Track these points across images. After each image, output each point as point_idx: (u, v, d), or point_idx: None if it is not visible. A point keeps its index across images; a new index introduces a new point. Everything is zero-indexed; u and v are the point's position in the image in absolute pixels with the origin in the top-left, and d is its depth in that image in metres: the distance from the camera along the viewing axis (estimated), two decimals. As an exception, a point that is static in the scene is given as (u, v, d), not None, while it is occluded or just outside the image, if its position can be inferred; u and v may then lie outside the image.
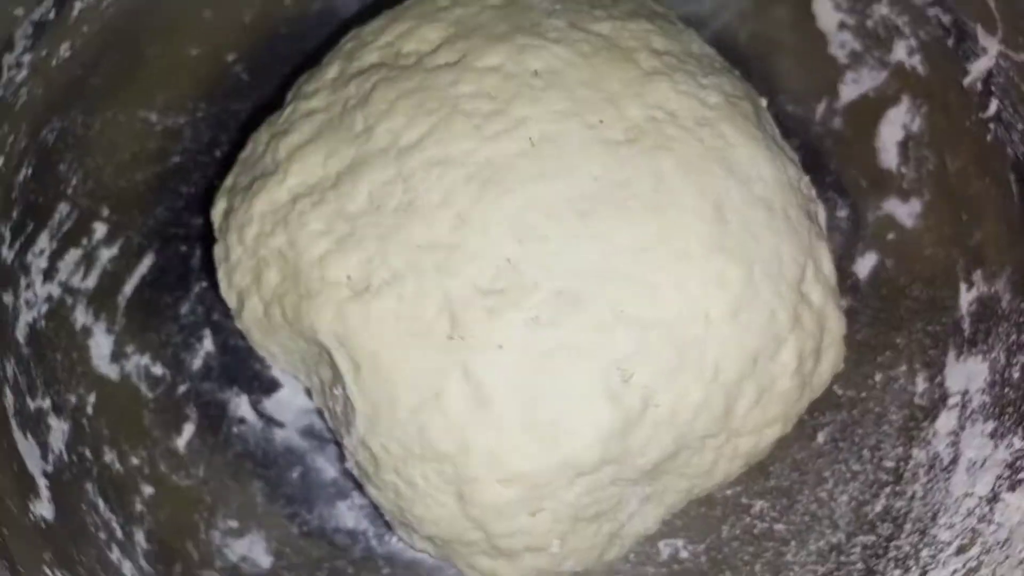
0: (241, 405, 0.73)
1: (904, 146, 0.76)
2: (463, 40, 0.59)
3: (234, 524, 0.68)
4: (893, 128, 0.77)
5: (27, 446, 0.61)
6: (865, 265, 0.76)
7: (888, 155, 0.77)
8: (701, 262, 0.54)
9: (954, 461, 0.64)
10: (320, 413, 0.69)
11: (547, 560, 0.56)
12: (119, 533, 0.64)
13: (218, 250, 0.61)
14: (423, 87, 0.57)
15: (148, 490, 0.67)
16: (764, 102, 0.64)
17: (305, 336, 0.57)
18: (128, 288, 0.73)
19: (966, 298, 0.69)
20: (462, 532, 0.55)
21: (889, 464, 0.69)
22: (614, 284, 0.53)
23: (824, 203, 0.75)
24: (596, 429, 0.53)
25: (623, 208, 0.54)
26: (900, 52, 0.75)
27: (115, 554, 0.62)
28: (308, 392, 0.68)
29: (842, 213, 0.78)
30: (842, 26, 0.78)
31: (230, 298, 0.61)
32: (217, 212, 0.62)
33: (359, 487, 0.67)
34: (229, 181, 0.63)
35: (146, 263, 0.73)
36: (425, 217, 0.54)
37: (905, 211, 0.75)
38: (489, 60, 0.58)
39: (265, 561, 0.68)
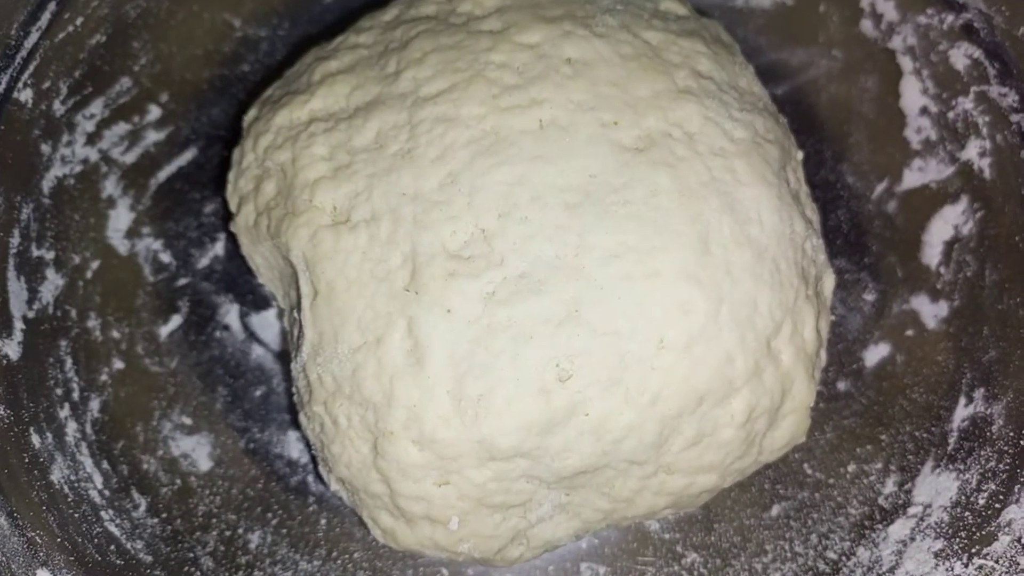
0: (230, 313, 0.75)
1: (950, 246, 0.72)
2: (515, 12, 0.60)
3: (187, 421, 0.70)
4: (944, 226, 0.73)
5: (16, 287, 0.65)
6: (875, 354, 0.73)
7: (932, 251, 0.74)
8: (669, 284, 0.53)
9: (892, 570, 0.61)
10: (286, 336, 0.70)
11: (444, 535, 0.56)
12: (76, 395, 0.66)
13: (235, 152, 0.64)
14: (459, 46, 0.58)
15: (118, 364, 0.70)
16: (800, 155, 0.62)
17: (282, 252, 0.58)
18: (163, 174, 0.76)
19: (961, 413, 0.65)
20: (369, 482, 0.56)
21: (831, 556, 0.66)
22: (578, 283, 0.53)
23: (855, 283, 0.73)
24: (518, 418, 0.52)
25: (609, 211, 0.53)
26: (972, 151, 0.72)
27: (64, 412, 0.65)
28: (281, 313, 0.70)
29: (869, 297, 0.75)
30: (924, 111, 0.75)
31: (232, 200, 0.63)
32: (248, 117, 0.64)
33: (306, 418, 0.68)
34: (268, 92, 0.65)
35: (187, 156, 0.76)
36: (418, 168, 0.55)
37: (931, 311, 0.72)
38: (529, 37, 0.58)
39: (204, 464, 0.69)
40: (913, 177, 0.76)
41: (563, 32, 0.58)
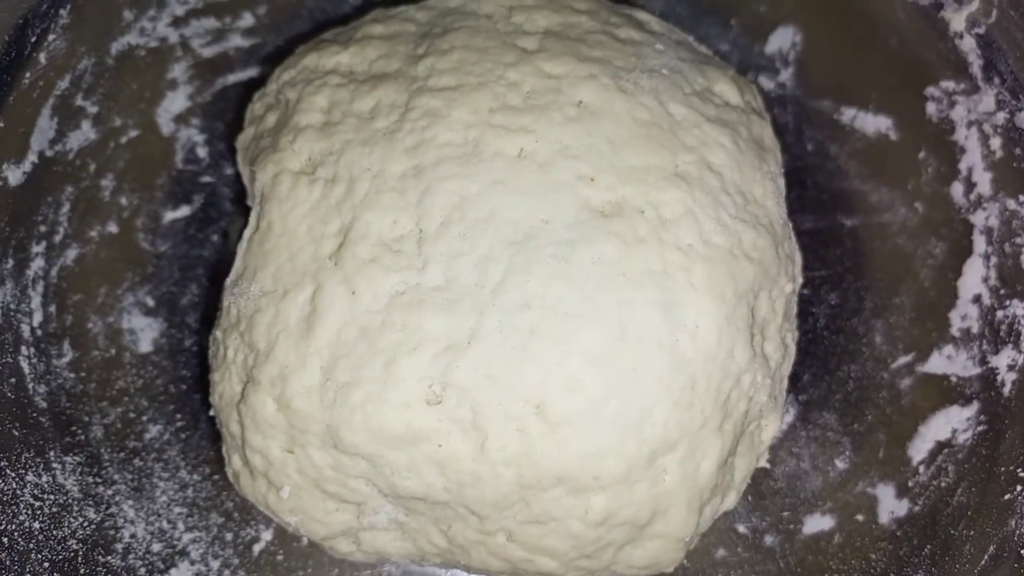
0: (234, 223, 0.77)
1: (939, 448, 0.66)
2: (556, 40, 0.58)
3: (149, 303, 0.73)
4: (944, 425, 0.67)
5: (46, 124, 0.69)
6: (816, 524, 0.67)
7: (921, 446, 0.67)
8: (566, 355, 0.50)
9: None
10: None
11: (275, 500, 0.56)
12: (57, 238, 0.69)
13: (269, 79, 0.66)
14: (486, 52, 0.57)
15: (111, 228, 0.73)
16: (789, 287, 0.57)
17: (251, 180, 0.60)
18: (232, 78, 0.79)
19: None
20: (230, 420, 0.56)
21: None
22: (481, 316, 0.51)
23: (833, 445, 0.68)
24: (369, 420, 0.51)
25: (543, 261, 0.52)
26: (1003, 360, 0.65)
27: (38, 248, 0.67)
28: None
29: (840, 464, 0.69)
30: (976, 299, 0.68)
31: (247, 116, 0.65)
32: (298, 49, 0.66)
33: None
34: (326, 34, 0.66)
35: (260, 70, 0.79)
36: (391, 150, 0.55)
37: (890, 506, 0.66)
38: (553, 67, 0.56)
39: (144, 347, 0.72)
40: (939, 363, 0.69)
41: (588, 74, 0.56)
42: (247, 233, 0.57)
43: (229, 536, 0.66)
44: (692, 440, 0.52)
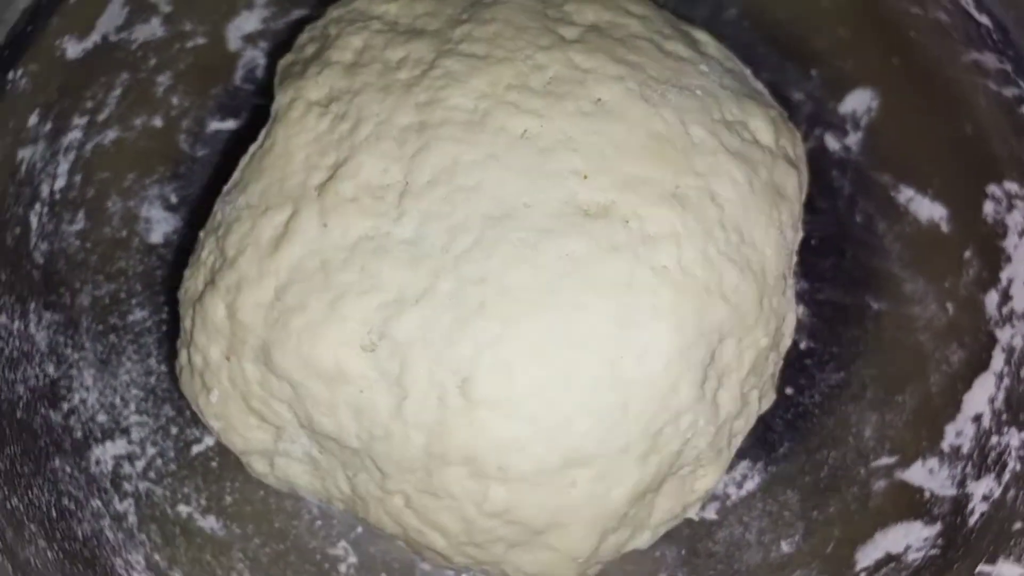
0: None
1: (884, 563, 0.62)
2: (597, 36, 0.58)
3: (173, 200, 0.74)
4: (897, 539, 0.63)
5: (115, 11, 0.69)
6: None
7: (871, 553, 0.63)
8: (495, 338, 0.50)
9: None
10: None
11: (204, 401, 0.57)
12: (100, 117, 0.69)
13: (323, 14, 0.67)
14: (523, 31, 0.57)
15: (156, 122, 0.73)
16: (765, 341, 0.55)
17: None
18: (298, 13, 0.79)
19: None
20: (186, 316, 0.58)
21: None
22: (435, 280, 0.51)
23: (784, 526, 0.64)
24: (300, 348, 0.52)
25: (509, 243, 0.51)
26: (979, 488, 0.61)
27: (79, 120, 0.68)
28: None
29: (785, 547, 0.66)
30: (976, 419, 0.64)
31: (294, 45, 0.66)
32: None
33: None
34: None
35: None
36: (403, 102, 0.55)
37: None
38: (583, 61, 0.56)
39: (155, 237, 0.73)
40: (919, 474, 0.65)
41: (616, 75, 0.55)
42: (252, 148, 0.58)
43: (174, 430, 0.67)
44: (609, 461, 0.51)
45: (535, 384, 0.50)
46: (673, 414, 0.52)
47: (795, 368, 0.73)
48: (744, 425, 0.57)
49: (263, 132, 0.59)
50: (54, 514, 0.59)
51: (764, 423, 0.68)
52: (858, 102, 0.76)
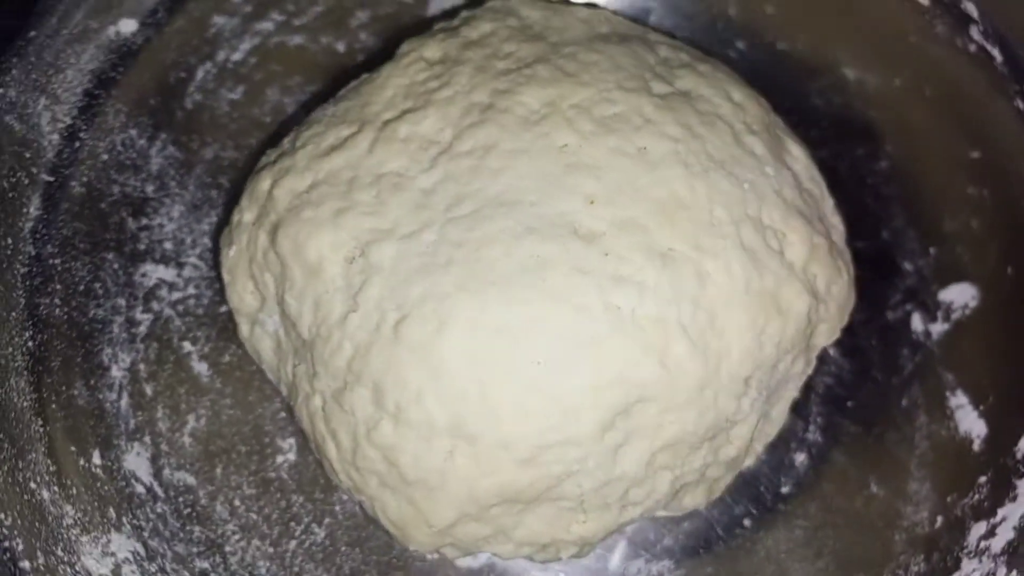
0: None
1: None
2: (682, 103, 0.61)
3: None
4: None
5: None
6: None
7: None
8: (442, 291, 0.54)
9: None
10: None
11: (226, 252, 0.65)
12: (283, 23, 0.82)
13: None
14: (618, 70, 0.61)
15: (238, 56, 0.82)
16: (726, 455, 0.55)
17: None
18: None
19: None
20: (251, 180, 0.67)
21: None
22: (425, 227, 0.56)
23: None
24: (300, 235, 0.58)
25: (497, 227, 0.55)
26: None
27: (263, 26, 0.81)
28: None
29: None
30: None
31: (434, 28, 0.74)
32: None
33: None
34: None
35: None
36: (487, 82, 0.61)
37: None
38: (651, 114, 0.59)
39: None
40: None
41: (672, 136, 0.58)
42: (363, 76, 0.67)
43: (217, 286, 0.76)
44: (490, 449, 0.53)
45: (456, 347, 0.53)
46: (565, 438, 0.53)
47: (765, 507, 0.71)
48: (644, 497, 0.57)
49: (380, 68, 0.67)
50: (81, 287, 0.70)
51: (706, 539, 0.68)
52: (960, 295, 0.74)
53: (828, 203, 0.65)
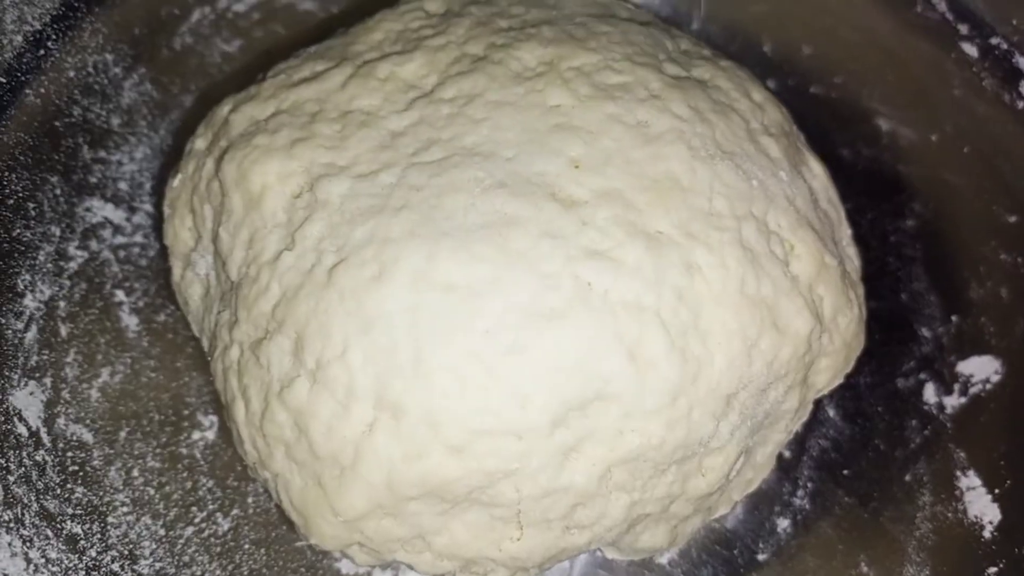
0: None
1: None
2: (695, 88, 0.55)
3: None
4: None
5: None
6: None
7: None
8: (388, 236, 0.47)
9: None
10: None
11: (171, 181, 0.59)
12: None
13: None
14: (630, 44, 0.56)
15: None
16: (697, 489, 0.47)
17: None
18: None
19: None
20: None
21: None
22: (385, 167, 0.49)
23: None
24: (246, 161, 0.52)
25: (466, 176, 0.49)
26: None
27: None
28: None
29: None
30: None
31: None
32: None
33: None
34: None
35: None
36: (483, 37, 0.56)
37: None
38: (660, 92, 0.53)
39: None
40: None
41: (679, 116, 0.51)
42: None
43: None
44: (412, 428, 0.45)
45: (393, 300, 0.46)
46: (506, 427, 0.45)
47: (737, 573, 0.61)
48: (594, 521, 0.48)
49: (377, 15, 0.62)
50: (11, 201, 0.63)
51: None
52: (980, 368, 0.66)
53: (846, 231, 0.58)
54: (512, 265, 0.46)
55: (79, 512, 0.57)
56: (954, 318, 0.69)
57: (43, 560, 0.54)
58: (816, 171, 0.57)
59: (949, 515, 0.60)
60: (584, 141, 0.49)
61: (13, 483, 0.55)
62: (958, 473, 0.62)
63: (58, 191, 0.66)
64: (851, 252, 0.58)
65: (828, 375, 0.55)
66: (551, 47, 0.53)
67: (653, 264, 0.46)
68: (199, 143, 0.57)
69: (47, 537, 0.54)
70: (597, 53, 0.53)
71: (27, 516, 0.55)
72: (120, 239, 0.69)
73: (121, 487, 0.60)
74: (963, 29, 0.70)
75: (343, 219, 0.48)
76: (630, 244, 0.47)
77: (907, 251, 0.73)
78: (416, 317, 0.45)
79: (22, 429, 0.58)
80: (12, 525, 0.53)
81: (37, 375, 0.60)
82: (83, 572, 0.55)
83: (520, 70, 0.52)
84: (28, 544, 0.54)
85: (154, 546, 0.58)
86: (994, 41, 0.68)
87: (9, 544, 0.53)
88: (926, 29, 0.73)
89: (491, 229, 0.46)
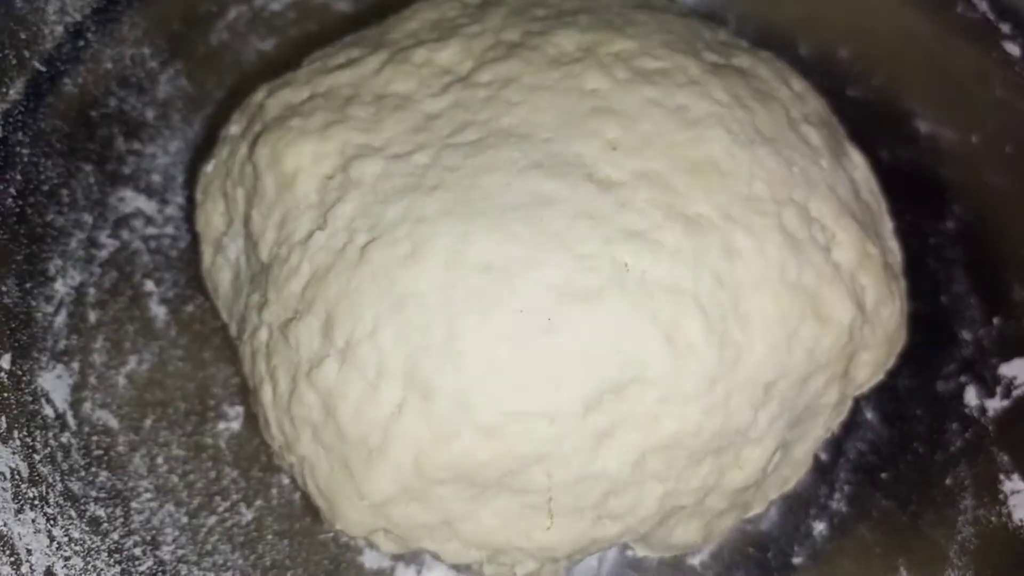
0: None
1: None
2: (735, 75, 0.54)
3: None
4: None
5: None
6: None
7: None
8: (420, 215, 0.46)
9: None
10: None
11: (203, 177, 0.59)
12: None
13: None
14: (669, 33, 0.55)
15: None
16: (733, 482, 0.46)
17: None
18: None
19: None
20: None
21: None
22: (419, 148, 0.49)
23: None
24: (280, 143, 0.52)
25: (502, 156, 0.48)
26: None
27: None
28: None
29: None
30: None
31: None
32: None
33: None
34: None
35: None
36: (519, 24, 0.55)
37: None
38: (699, 78, 0.52)
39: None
40: None
41: (719, 101, 0.51)
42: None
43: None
44: (446, 409, 0.44)
45: (427, 279, 0.45)
46: (539, 409, 0.44)
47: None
48: (627, 511, 0.47)
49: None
50: (45, 187, 0.63)
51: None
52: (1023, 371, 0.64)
53: (887, 224, 0.56)
54: (548, 245, 0.45)
55: (103, 495, 0.57)
56: (995, 320, 0.67)
57: (66, 539, 0.53)
58: (857, 162, 0.56)
59: (992, 519, 0.58)
60: (622, 124, 0.48)
61: (39, 462, 0.55)
62: (1001, 477, 0.60)
63: (92, 180, 0.66)
64: (893, 245, 0.56)
65: (869, 369, 0.53)
66: (588, 34, 0.53)
67: (692, 247, 0.45)
68: (234, 129, 0.57)
69: (71, 517, 0.54)
70: (635, 40, 0.53)
71: (51, 495, 0.54)
72: (151, 230, 0.69)
73: (145, 473, 0.59)
74: (1005, 28, 0.69)
75: (376, 199, 0.47)
76: (669, 226, 0.46)
77: (947, 253, 0.72)
78: (449, 296, 0.44)
79: (48, 411, 0.57)
80: (37, 503, 0.53)
81: (65, 359, 0.60)
82: (105, 554, 0.54)
83: (557, 56, 0.52)
84: (52, 522, 0.53)
85: (176, 533, 0.58)
86: (1037, 40, 0.67)
87: (33, 521, 0.52)
88: (966, 29, 0.72)
89: (527, 209, 0.45)
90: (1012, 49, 0.68)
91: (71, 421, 0.58)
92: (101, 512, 0.56)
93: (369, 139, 0.50)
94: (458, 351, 0.44)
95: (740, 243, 0.46)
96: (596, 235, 0.45)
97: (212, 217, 0.57)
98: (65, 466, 0.56)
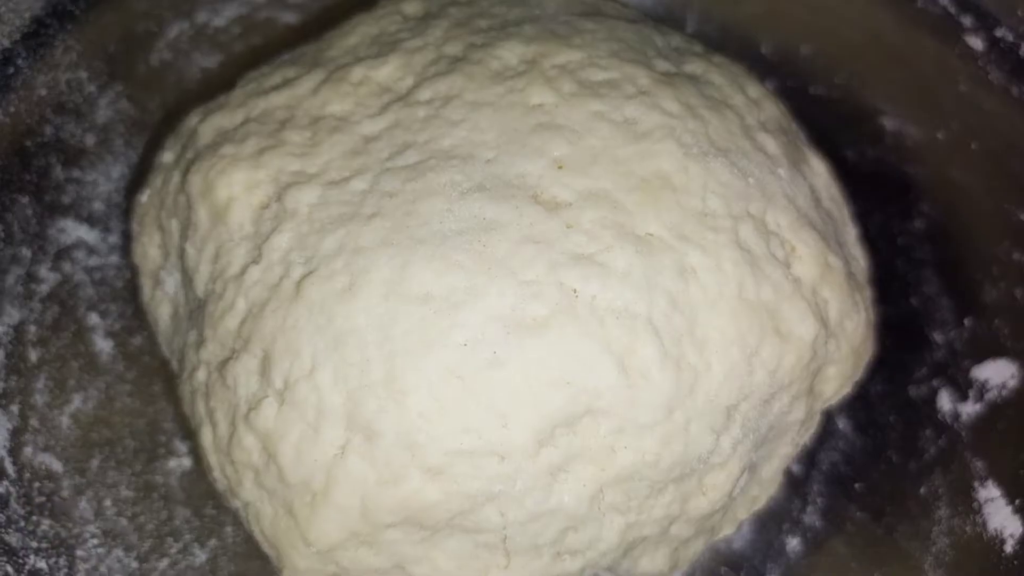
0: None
1: None
2: (687, 83, 0.52)
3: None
4: None
5: None
6: None
7: None
8: (350, 239, 0.44)
9: None
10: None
11: (138, 208, 0.56)
12: None
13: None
14: (618, 40, 0.53)
15: None
16: (698, 509, 0.44)
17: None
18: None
19: None
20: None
21: None
22: (356, 174, 0.47)
23: None
24: (216, 168, 0.49)
25: (442, 178, 0.46)
26: None
27: None
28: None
29: None
30: None
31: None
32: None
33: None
34: None
35: None
36: (462, 37, 0.53)
37: None
38: (648, 87, 0.50)
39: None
40: None
41: (670, 113, 0.49)
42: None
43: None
44: (388, 451, 0.42)
45: (365, 313, 0.43)
46: (488, 446, 0.42)
47: None
48: (587, 546, 0.45)
49: (355, 19, 0.60)
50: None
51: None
52: (997, 373, 0.63)
53: (851, 231, 0.55)
54: (491, 273, 0.43)
55: (45, 546, 0.54)
56: (967, 321, 0.66)
57: (3, 597, 0.51)
58: (818, 169, 0.54)
59: (967, 529, 0.57)
60: (568, 140, 0.46)
61: (-29, 516, 0.52)
62: (976, 484, 0.58)
63: (29, 212, 0.63)
64: (857, 253, 0.55)
65: (836, 383, 0.51)
66: (533, 45, 0.51)
67: (644, 268, 0.43)
68: (167, 156, 0.54)
69: (7, 574, 0.51)
70: (582, 50, 0.51)
71: (-16, 550, 0.52)
72: (95, 260, 0.66)
73: (92, 518, 0.57)
74: (967, 21, 0.67)
75: (312, 229, 0.45)
76: (619, 247, 0.44)
77: (916, 254, 0.71)
78: (389, 331, 0.42)
79: (-16, 460, 0.55)
80: (-35, 559, 0.51)
81: (3, 402, 0.57)
82: (47, 610, 0.52)
83: (500, 69, 0.50)
84: (-15, 581, 0.51)
85: (126, 581, 0.55)
86: (999, 33, 0.66)
87: (-37, 582, 0.50)
88: (928, 23, 0.70)
89: (469, 235, 0.43)
90: (974, 43, 0.67)
91: (10, 468, 0.56)
92: (43, 564, 0.53)
93: (304, 165, 0.47)
94: (400, 389, 0.42)
95: (694, 262, 0.44)
96: (542, 260, 0.43)
97: (148, 250, 0.54)
98: (2, 518, 0.53)
